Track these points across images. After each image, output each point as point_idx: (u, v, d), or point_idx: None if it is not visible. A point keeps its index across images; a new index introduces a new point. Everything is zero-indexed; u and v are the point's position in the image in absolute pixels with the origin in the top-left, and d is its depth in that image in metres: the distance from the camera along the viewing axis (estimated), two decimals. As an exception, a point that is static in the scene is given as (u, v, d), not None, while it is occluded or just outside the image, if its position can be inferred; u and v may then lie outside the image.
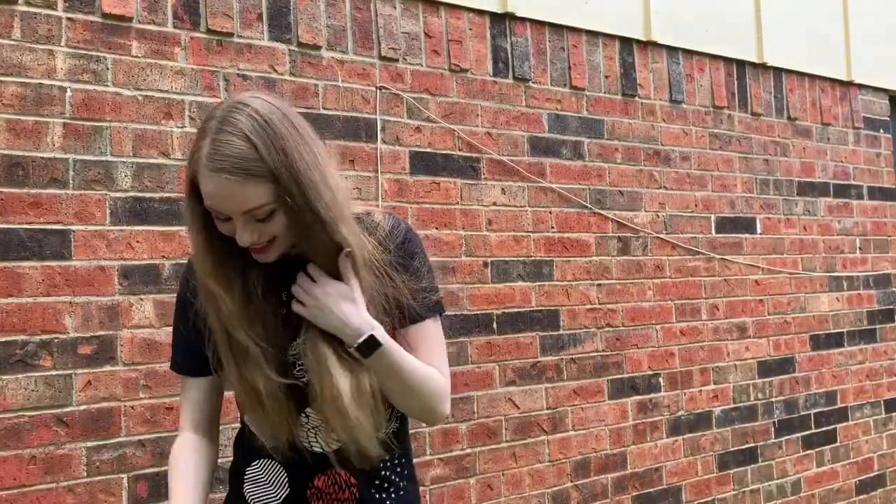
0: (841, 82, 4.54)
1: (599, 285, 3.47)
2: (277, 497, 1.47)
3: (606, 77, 3.58)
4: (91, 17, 2.40)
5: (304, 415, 1.43)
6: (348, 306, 1.36)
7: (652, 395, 3.59)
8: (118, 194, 2.40)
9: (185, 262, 1.55)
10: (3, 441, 2.19)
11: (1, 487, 2.17)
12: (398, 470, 1.52)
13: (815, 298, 4.30)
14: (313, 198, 1.31)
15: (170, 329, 2.42)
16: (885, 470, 4.58)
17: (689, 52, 3.87)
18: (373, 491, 1.48)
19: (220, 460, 2.51)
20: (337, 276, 1.38)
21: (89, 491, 2.29)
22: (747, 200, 4.06)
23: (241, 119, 1.29)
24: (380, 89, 2.93)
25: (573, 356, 3.36)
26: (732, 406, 3.88)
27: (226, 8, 2.62)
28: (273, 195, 1.29)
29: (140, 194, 2.44)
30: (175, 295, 1.56)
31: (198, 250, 1.40)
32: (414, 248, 1.47)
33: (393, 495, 1.50)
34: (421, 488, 2.88)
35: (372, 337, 1.36)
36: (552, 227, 3.35)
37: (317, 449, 1.45)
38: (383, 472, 1.50)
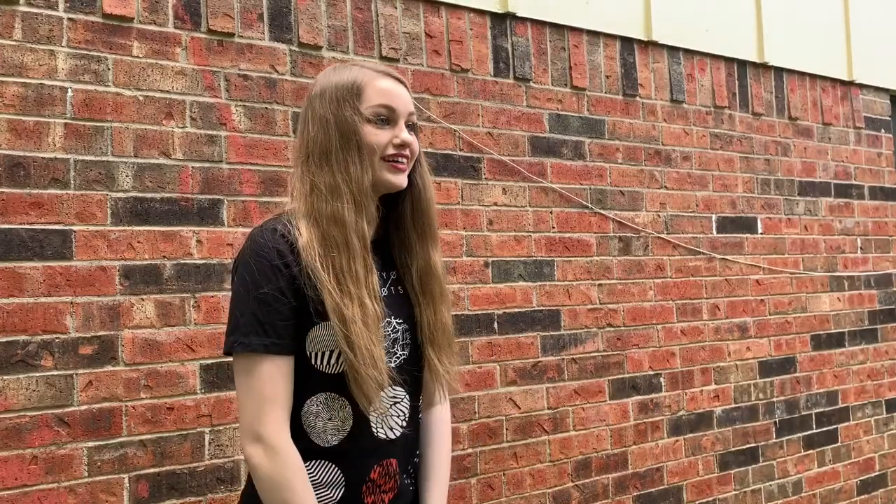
0: (842, 82, 4.54)
1: (600, 285, 3.47)
2: (333, 497, 1.48)
3: (607, 77, 3.58)
4: (92, 18, 2.40)
5: (382, 393, 1.49)
6: None
7: (653, 395, 3.59)
8: (119, 194, 2.41)
9: (252, 238, 1.50)
10: (4, 441, 2.19)
11: (2, 487, 2.17)
12: (418, 456, 1.65)
13: (817, 298, 4.29)
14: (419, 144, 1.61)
15: (171, 329, 2.44)
16: (886, 470, 4.57)
17: (689, 52, 3.87)
18: (404, 476, 1.57)
19: (221, 461, 2.51)
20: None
21: (90, 491, 2.29)
22: (748, 200, 4.06)
23: None
24: (381, 89, 2.93)
25: (574, 356, 3.36)
26: (733, 406, 3.88)
27: (226, 8, 2.63)
28: (415, 111, 1.58)
29: (141, 194, 2.44)
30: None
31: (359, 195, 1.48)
32: None
33: (414, 480, 1.62)
34: (422, 488, 2.89)
35: None
36: (553, 227, 3.35)
37: (381, 435, 1.51)
38: (415, 459, 1.61)
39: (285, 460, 1.40)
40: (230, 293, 1.52)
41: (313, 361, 1.46)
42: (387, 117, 1.52)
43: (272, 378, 1.42)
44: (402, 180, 1.54)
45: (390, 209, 1.60)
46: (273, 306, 1.42)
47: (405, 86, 1.57)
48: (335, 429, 1.47)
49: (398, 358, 1.54)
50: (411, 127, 1.56)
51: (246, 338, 1.42)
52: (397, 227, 1.60)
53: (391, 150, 1.51)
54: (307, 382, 1.46)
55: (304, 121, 1.55)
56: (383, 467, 1.52)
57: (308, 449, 1.46)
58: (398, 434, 1.54)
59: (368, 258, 1.49)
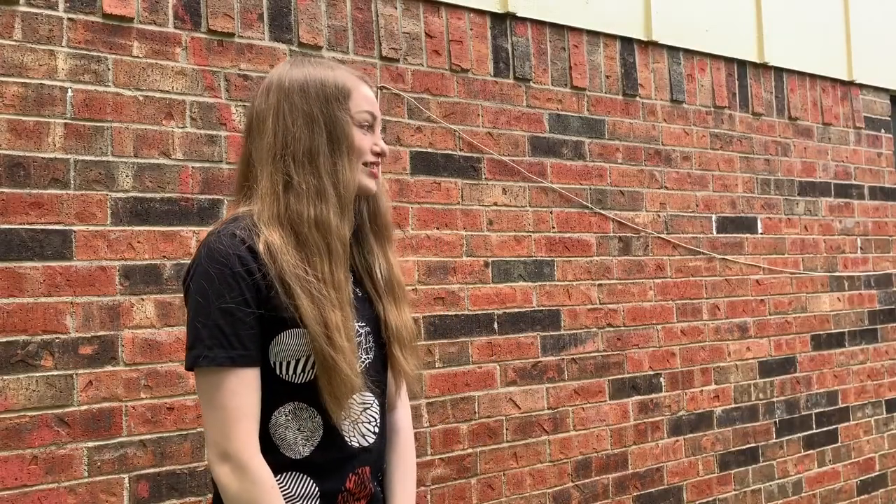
0: (842, 82, 4.54)
1: (600, 285, 3.47)
2: None
3: (607, 77, 3.58)
4: (92, 18, 2.40)
5: (352, 399, 1.45)
6: None
7: (653, 395, 3.59)
8: (119, 194, 2.41)
9: (208, 244, 1.40)
10: (4, 441, 2.19)
11: (2, 487, 2.17)
12: (385, 463, 1.61)
13: (817, 298, 4.29)
14: None
15: (171, 329, 2.44)
16: (886, 470, 4.57)
17: (689, 52, 3.87)
18: (375, 482, 1.54)
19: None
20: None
21: (90, 491, 2.29)
22: (748, 200, 4.06)
23: None
24: (380, 89, 2.93)
25: (574, 356, 3.36)
26: (733, 406, 3.88)
27: (226, 8, 2.63)
28: None
29: (141, 194, 2.44)
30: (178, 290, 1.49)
31: (348, 195, 1.47)
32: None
33: (381, 485, 1.59)
34: (422, 488, 2.88)
35: None
36: (553, 227, 3.34)
37: (354, 443, 1.47)
38: (383, 464, 1.58)
39: (255, 479, 1.35)
40: (187, 304, 1.43)
41: (278, 371, 1.41)
42: (370, 124, 1.53)
43: (239, 392, 1.35)
44: (375, 185, 1.55)
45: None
46: (237, 316, 1.35)
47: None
48: (305, 439, 1.42)
49: (364, 362, 1.50)
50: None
51: (210, 351, 1.34)
52: (353, 230, 1.57)
53: (370, 157, 1.52)
54: (273, 393, 1.40)
55: (276, 114, 1.46)
56: (358, 476, 1.48)
57: (280, 462, 1.41)
58: (371, 441, 1.50)
59: (348, 264, 1.46)
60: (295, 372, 1.41)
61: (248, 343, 1.36)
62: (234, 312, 1.35)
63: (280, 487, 1.40)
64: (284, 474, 1.42)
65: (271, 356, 1.41)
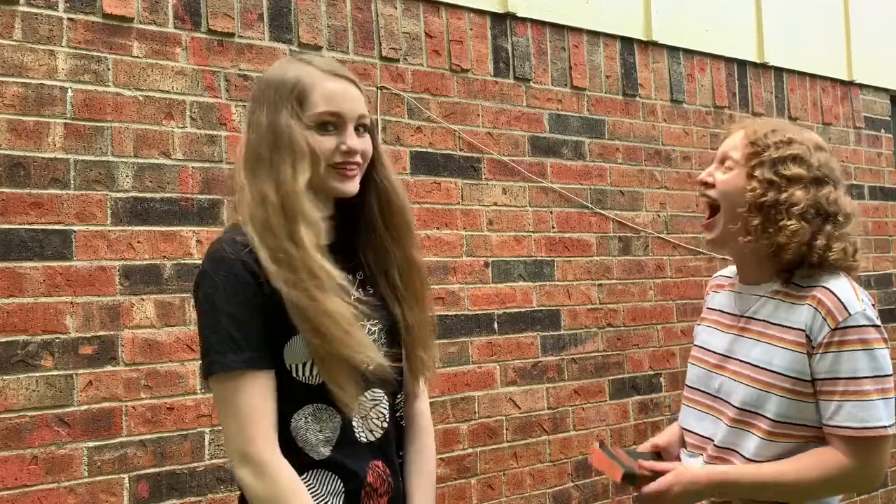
0: (842, 82, 4.54)
1: (600, 285, 3.47)
2: None
3: (607, 77, 3.58)
4: (92, 18, 2.40)
5: (363, 396, 1.46)
6: None
7: (653, 395, 3.59)
8: (119, 194, 2.41)
9: (213, 253, 1.40)
10: (4, 441, 2.19)
11: (2, 487, 2.17)
12: (401, 455, 1.60)
13: (817, 298, 4.29)
14: (378, 142, 1.54)
15: (171, 329, 2.44)
16: (886, 470, 4.57)
17: (689, 52, 3.87)
18: (392, 475, 1.54)
19: (221, 461, 2.51)
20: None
21: (90, 491, 2.29)
22: (748, 200, 4.06)
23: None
24: (380, 89, 2.93)
25: (574, 356, 3.36)
26: (733, 406, 3.88)
27: (226, 8, 2.63)
28: (367, 111, 1.49)
29: (141, 194, 2.44)
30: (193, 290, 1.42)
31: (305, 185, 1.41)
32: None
33: (401, 478, 1.57)
34: (422, 488, 2.88)
35: None
36: (553, 227, 3.35)
37: (363, 439, 1.48)
38: (395, 458, 1.57)
39: (277, 477, 1.35)
40: (197, 313, 1.43)
41: (295, 373, 1.41)
42: (333, 123, 1.44)
43: (254, 394, 1.35)
44: (351, 187, 1.47)
45: (357, 211, 1.54)
46: (244, 320, 1.35)
47: (356, 85, 1.48)
48: (327, 440, 1.43)
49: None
50: (364, 129, 1.48)
51: (223, 357, 1.34)
52: (367, 230, 1.54)
53: (338, 158, 1.44)
54: (292, 396, 1.40)
55: (249, 122, 1.51)
56: (372, 470, 1.50)
57: (304, 463, 1.42)
58: (379, 435, 1.51)
59: (334, 268, 1.43)
60: (311, 373, 1.42)
61: (258, 346, 1.36)
62: (241, 317, 1.35)
63: (308, 487, 1.40)
64: (309, 472, 1.43)
65: (287, 359, 1.41)
